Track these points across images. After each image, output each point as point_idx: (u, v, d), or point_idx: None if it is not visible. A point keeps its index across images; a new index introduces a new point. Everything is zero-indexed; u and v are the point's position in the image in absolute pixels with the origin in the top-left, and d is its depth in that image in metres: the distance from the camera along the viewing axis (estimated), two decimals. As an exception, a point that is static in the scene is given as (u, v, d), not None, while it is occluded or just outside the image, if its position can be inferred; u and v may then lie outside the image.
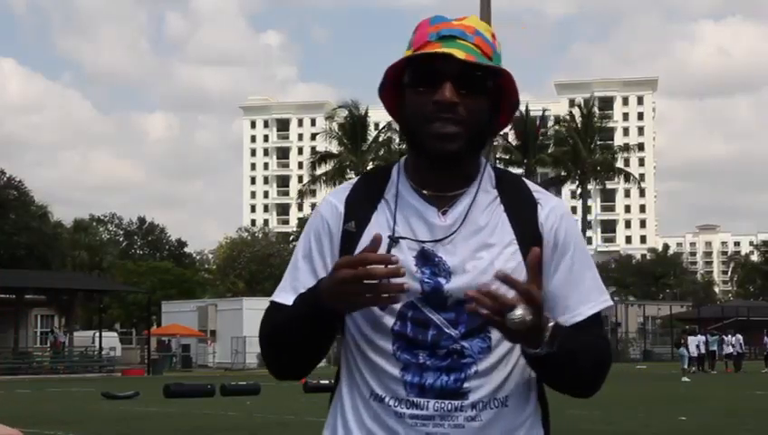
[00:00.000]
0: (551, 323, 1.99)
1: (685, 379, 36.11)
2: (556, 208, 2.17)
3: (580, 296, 2.13)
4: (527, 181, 2.23)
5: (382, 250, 2.04)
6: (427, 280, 2.06)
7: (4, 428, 2.00)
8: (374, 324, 2.09)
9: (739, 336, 46.79)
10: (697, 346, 44.64)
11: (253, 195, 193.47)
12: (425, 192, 2.13)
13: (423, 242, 2.08)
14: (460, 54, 2.03)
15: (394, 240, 2.08)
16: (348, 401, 2.14)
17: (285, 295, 2.14)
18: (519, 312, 1.89)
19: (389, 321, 2.07)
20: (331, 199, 2.21)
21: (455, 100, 2.04)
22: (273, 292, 2.20)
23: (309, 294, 2.03)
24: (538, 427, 2.16)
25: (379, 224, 2.12)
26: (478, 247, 2.09)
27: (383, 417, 2.06)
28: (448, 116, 2.04)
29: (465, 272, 2.06)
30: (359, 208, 2.16)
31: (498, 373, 2.06)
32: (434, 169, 2.11)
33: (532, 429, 2.13)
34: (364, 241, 2.09)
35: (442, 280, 2.06)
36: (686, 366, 38.65)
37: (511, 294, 1.91)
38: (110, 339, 58.27)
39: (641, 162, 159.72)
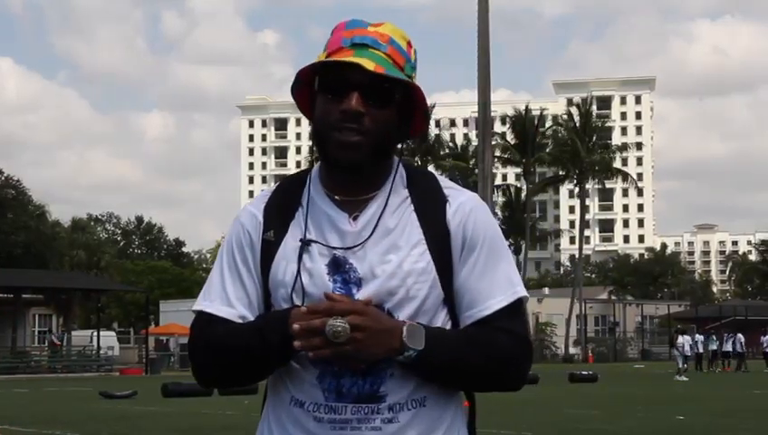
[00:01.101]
0: (405, 325, 2.01)
1: (681, 378, 35.99)
2: (465, 203, 2.14)
3: (489, 291, 2.10)
4: (440, 178, 2.22)
5: (294, 255, 2.09)
6: (339, 289, 2.06)
7: None
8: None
9: (740, 336, 46.72)
10: (691, 346, 44.65)
11: (251, 194, 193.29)
12: (336, 197, 2.13)
13: (334, 249, 2.09)
14: (369, 65, 2.03)
15: (306, 243, 2.09)
16: (271, 406, 2.17)
17: (220, 307, 2.14)
18: (330, 322, 1.95)
19: None
20: (251, 208, 2.21)
21: (360, 110, 2.04)
22: (198, 299, 2.18)
23: (277, 327, 2.03)
24: (460, 426, 2.16)
25: (294, 233, 2.13)
26: (387, 250, 2.08)
27: (303, 422, 2.08)
28: (353, 126, 2.05)
29: (375, 277, 2.06)
30: (276, 217, 2.16)
31: (415, 375, 2.06)
32: (340, 175, 2.12)
33: (453, 428, 2.13)
34: (282, 250, 2.12)
35: (353, 287, 2.06)
36: (681, 365, 38.62)
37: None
38: (108, 338, 58.23)
39: (639, 162, 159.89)
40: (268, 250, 2.13)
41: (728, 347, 46.97)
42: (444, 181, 2.20)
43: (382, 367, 2.05)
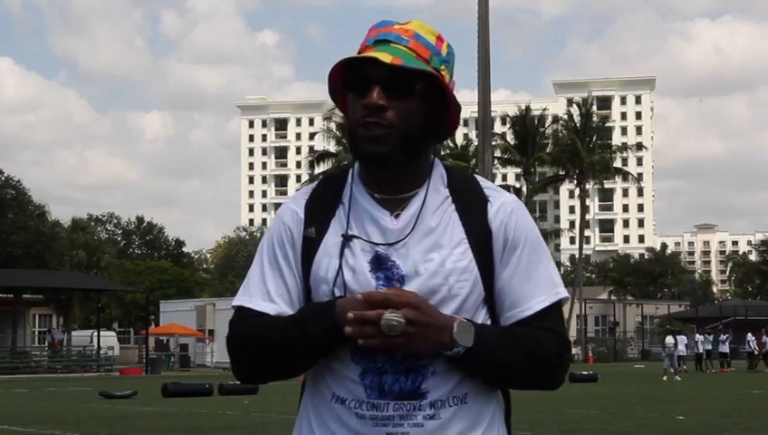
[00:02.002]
0: (456, 321, 2.03)
1: (676, 377, 36.00)
2: (506, 204, 2.17)
3: (531, 291, 2.13)
4: (479, 178, 2.24)
5: (336, 251, 2.11)
6: (382, 285, 2.08)
7: None
8: None
9: (750, 335, 46.46)
10: (686, 345, 44.65)
11: (251, 194, 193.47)
12: (377, 196, 2.15)
13: (376, 245, 2.11)
14: (386, 58, 2.05)
15: (347, 239, 2.11)
16: (311, 403, 2.17)
17: (260, 302, 2.15)
18: (386, 315, 1.96)
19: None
20: (292, 205, 2.22)
21: (380, 103, 2.06)
22: (238, 295, 2.19)
23: (322, 317, 2.05)
24: (499, 423, 2.18)
25: (335, 230, 2.15)
26: (429, 249, 2.10)
27: (344, 418, 2.09)
28: (375, 120, 2.07)
29: (418, 275, 2.08)
30: (318, 214, 2.18)
31: (456, 371, 2.08)
32: (374, 172, 2.15)
33: (493, 424, 2.15)
34: (323, 246, 2.13)
35: (396, 284, 2.08)
36: (677, 365, 38.58)
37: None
38: (109, 338, 58.22)
39: (639, 162, 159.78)
40: (309, 247, 2.15)
41: (725, 348, 46.85)
42: (483, 181, 2.23)
43: (424, 364, 2.07)
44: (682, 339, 44.79)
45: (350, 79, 2.12)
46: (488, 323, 2.14)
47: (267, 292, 2.16)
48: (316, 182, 2.28)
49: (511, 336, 2.09)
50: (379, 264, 2.10)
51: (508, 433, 2.21)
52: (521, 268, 2.14)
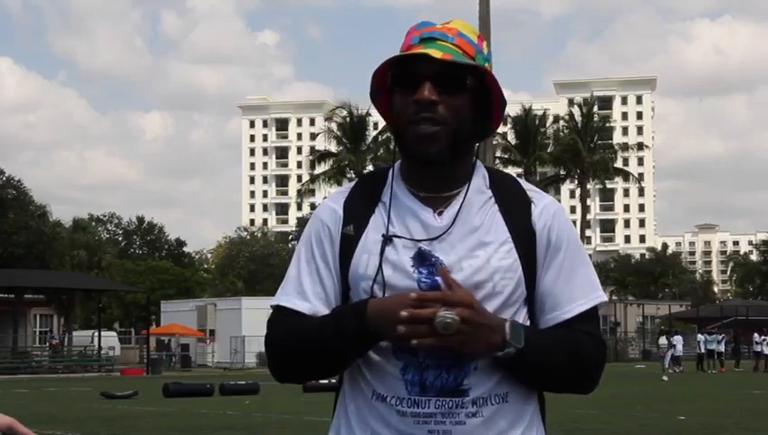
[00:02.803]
0: (507, 322, 2.04)
1: (663, 377, 35.93)
2: (549, 206, 2.19)
3: (572, 294, 2.15)
4: (521, 180, 2.25)
5: (376, 248, 2.09)
6: (424, 280, 2.08)
7: (1, 416, 2.01)
8: None
9: (756, 335, 46.11)
10: (679, 345, 44.63)
11: (252, 194, 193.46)
12: (420, 194, 2.15)
13: (419, 241, 2.10)
14: (437, 54, 2.06)
15: (388, 238, 2.11)
16: (351, 401, 2.16)
17: (296, 301, 2.16)
18: (440, 313, 1.96)
19: None
20: (330, 204, 2.22)
21: (433, 98, 2.06)
22: (277, 294, 2.20)
23: (354, 317, 2.05)
24: (538, 422, 2.18)
25: (376, 226, 2.14)
26: (475, 247, 2.11)
27: (386, 416, 2.08)
28: (428, 115, 2.07)
29: (462, 270, 2.08)
30: (357, 212, 2.17)
31: (498, 369, 2.08)
32: (421, 170, 2.14)
33: (533, 423, 2.16)
34: (362, 244, 2.13)
35: (439, 279, 2.07)
36: (666, 366, 38.44)
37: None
38: (109, 338, 58.29)
39: (640, 162, 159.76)
40: (348, 244, 2.15)
41: (720, 348, 46.78)
42: (525, 184, 2.24)
43: (466, 360, 2.06)
44: (678, 339, 44.77)
45: (399, 76, 2.11)
46: (527, 323, 2.15)
47: (303, 290, 2.16)
48: (355, 180, 2.29)
49: (556, 339, 2.10)
50: (422, 259, 2.10)
51: (545, 433, 2.21)
52: (563, 271, 2.15)
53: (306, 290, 2.16)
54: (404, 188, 2.17)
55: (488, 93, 2.14)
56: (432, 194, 2.14)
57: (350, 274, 2.13)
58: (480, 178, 2.19)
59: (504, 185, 2.20)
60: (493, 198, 2.17)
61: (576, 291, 2.15)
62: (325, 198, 2.33)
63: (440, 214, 2.13)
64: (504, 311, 2.09)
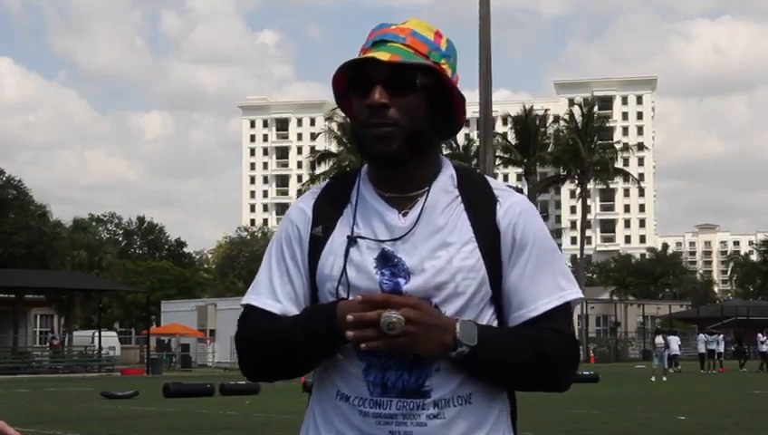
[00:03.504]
0: (459, 321, 2.03)
1: (659, 378, 35.84)
2: (515, 205, 2.17)
3: (538, 292, 2.12)
4: (490, 179, 2.25)
5: (341, 250, 2.11)
6: (386, 281, 2.08)
7: None
8: None
9: (760, 335, 45.94)
10: (680, 345, 44.60)
11: (252, 194, 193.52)
12: (386, 195, 2.16)
13: (382, 242, 2.11)
14: (384, 56, 2.06)
15: (352, 239, 2.12)
16: (318, 401, 2.18)
17: (267, 301, 2.17)
18: (384, 314, 1.97)
19: None
20: (300, 205, 2.24)
21: (383, 101, 2.07)
22: (247, 293, 2.22)
23: (324, 318, 2.06)
24: (505, 424, 2.16)
25: (342, 228, 2.16)
26: (437, 247, 2.10)
27: (349, 416, 2.09)
28: (380, 120, 2.08)
29: (424, 271, 2.08)
30: (326, 213, 2.19)
31: (461, 370, 2.07)
32: (384, 171, 2.15)
33: (499, 425, 2.14)
34: (329, 245, 2.14)
35: (401, 280, 2.08)
36: (665, 366, 38.36)
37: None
38: (110, 338, 58.30)
39: (641, 162, 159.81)
40: (316, 245, 2.16)
41: (721, 348, 46.77)
42: (493, 182, 2.23)
43: (428, 361, 2.06)
44: (675, 339, 44.72)
45: (353, 81, 2.13)
46: (495, 323, 2.13)
47: (274, 291, 2.17)
48: (325, 182, 2.30)
49: (516, 336, 2.09)
50: (385, 260, 2.10)
51: None
52: (528, 269, 2.13)
53: (277, 290, 2.17)
54: (371, 190, 2.18)
55: (448, 90, 2.14)
56: (398, 194, 2.15)
57: (317, 275, 2.15)
58: (447, 178, 2.19)
59: (471, 184, 2.20)
60: (459, 198, 2.17)
61: (542, 289, 2.12)
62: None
63: (405, 214, 2.13)
64: (467, 311, 2.08)
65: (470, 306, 2.09)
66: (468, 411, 2.08)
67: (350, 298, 2.05)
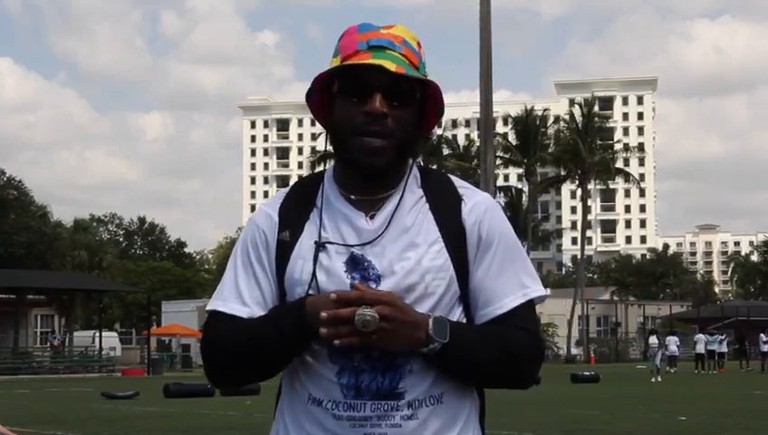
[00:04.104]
0: (431, 317, 2.04)
1: (655, 379, 35.75)
2: (480, 203, 2.18)
3: (504, 289, 2.14)
4: (453, 178, 2.25)
5: (310, 254, 2.11)
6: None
7: None
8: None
9: (762, 335, 45.78)
10: (678, 346, 44.56)
11: (253, 195, 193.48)
12: (352, 197, 2.15)
13: (351, 246, 2.11)
14: (391, 66, 2.05)
15: (321, 245, 2.11)
16: (287, 405, 2.17)
17: (233, 305, 2.15)
18: (359, 311, 1.97)
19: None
20: (266, 209, 2.23)
21: (384, 111, 2.07)
22: (212, 299, 2.20)
23: (293, 315, 2.06)
24: (474, 423, 2.18)
25: (310, 232, 2.15)
26: (405, 248, 2.11)
27: (322, 420, 2.09)
28: (377, 128, 2.07)
29: (394, 273, 2.09)
30: (292, 218, 2.18)
31: (433, 371, 2.08)
32: (358, 176, 2.14)
33: (469, 424, 2.15)
34: (297, 249, 2.13)
35: (372, 284, 2.08)
36: (658, 365, 38.28)
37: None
38: (110, 339, 58.27)
39: (641, 162, 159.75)
40: (283, 250, 2.15)
41: (723, 348, 46.72)
42: (457, 181, 2.23)
43: (401, 362, 2.07)
44: (674, 340, 44.65)
45: (349, 84, 2.10)
46: (463, 321, 2.14)
47: (240, 295, 2.16)
48: (290, 186, 2.29)
49: (485, 334, 2.09)
50: (355, 264, 2.10)
51: (482, 433, 2.21)
52: (494, 267, 2.14)
53: (244, 295, 2.15)
54: (336, 191, 2.17)
55: (425, 101, 2.15)
56: (364, 197, 2.15)
57: (285, 279, 2.14)
58: (412, 178, 2.19)
59: (435, 184, 2.20)
60: (424, 198, 2.17)
61: (508, 286, 2.14)
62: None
63: (372, 217, 2.13)
64: (437, 311, 2.08)
65: (440, 306, 2.09)
66: (441, 410, 2.10)
67: (331, 293, 2.03)
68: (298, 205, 2.19)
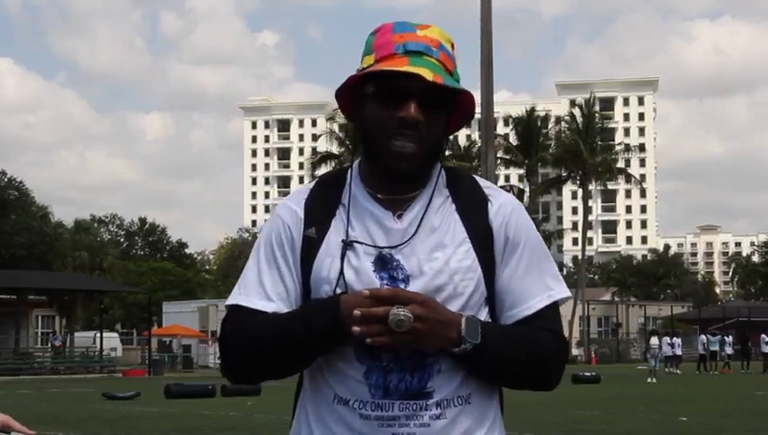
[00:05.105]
0: (464, 317, 2.03)
1: (651, 379, 35.54)
2: (506, 204, 2.18)
3: (530, 291, 2.14)
4: (478, 179, 2.25)
5: (337, 253, 2.09)
6: (386, 285, 2.07)
7: None
8: None
9: (764, 336, 45.75)
10: (670, 345, 44.54)
11: (254, 195, 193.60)
12: (379, 196, 2.15)
13: (380, 248, 2.10)
14: (428, 75, 2.04)
15: (348, 244, 2.10)
16: (311, 404, 2.15)
17: (257, 301, 2.13)
18: (393, 311, 1.96)
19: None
20: (291, 205, 2.20)
21: (419, 118, 2.06)
22: (233, 294, 2.17)
23: (326, 312, 2.04)
24: (500, 422, 2.19)
25: (337, 230, 2.13)
26: (434, 248, 2.10)
27: (348, 420, 2.07)
28: (411, 133, 2.07)
29: (423, 274, 2.08)
30: (318, 214, 2.16)
31: (461, 371, 2.08)
32: (389, 180, 2.13)
33: (495, 425, 2.16)
34: (325, 247, 2.12)
35: (401, 284, 2.07)
36: (656, 367, 38.18)
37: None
38: (111, 339, 58.26)
39: (642, 163, 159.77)
40: (310, 247, 2.13)
41: (729, 350, 46.68)
42: (482, 182, 2.23)
43: (430, 362, 2.06)
44: (665, 340, 44.54)
45: (385, 88, 2.09)
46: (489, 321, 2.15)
47: (265, 291, 2.14)
48: (315, 181, 2.26)
49: (513, 335, 2.10)
50: (384, 264, 2.09)
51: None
52: (521, 268, 2.14)
53: (268, 290, 2.13)
54: (362, 190, 2.16)
55: (455, 106, 2.16)
56: (391, 196, 2.14)
57: (311, 276, 2.12)
58: (439, 178, 2.19)
59: (460, 184, 2.20)
60: (450, 198, 2.17)
61: (534, 288, 2.14)
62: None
63: (400, 217, 2.13)
64: (465, 312, 2.08)
65: (468, 307, 2.09)
66: (469, 411, 2.10)
67: (365, 289, 2.03)
68: (324, 201, 2.18)
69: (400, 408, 2.05)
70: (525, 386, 2.15)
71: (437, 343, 2.02)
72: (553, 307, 2.16)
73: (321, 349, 2.07)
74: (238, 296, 2.16)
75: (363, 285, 2.06)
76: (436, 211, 2.14)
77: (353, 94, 2.16)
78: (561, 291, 2.18)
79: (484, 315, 2.13)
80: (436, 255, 2.10)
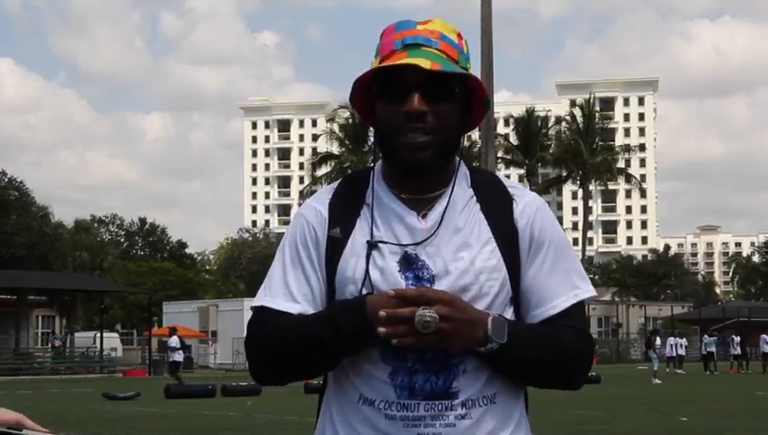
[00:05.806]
0: (490, 317, 2.03)
1: (656, 381, 35.48)
2: (531, 203, 2.18)
3: (556, 289, 2.14)
4: (501, 177, 2.25)
5: (363, 253, 2.09)
6: (411, 285, 2.07)
7: (8, 412, 2.00)
8: None
9: (765, 336, 45.71)
10: (672, 346, 44.49)
11: (254, 195, 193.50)
12: (403, 196, 2.14)
13: (405, 246, 2.09)
14: (425, 64, 2.03)
15: (373, 245, 2.10)
16: (336, 405, 2.15)
17: (282, 302, 2.12)
18: (419, 312, 1.95)
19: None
20: (315, 205, 2.20)
21: (423, 109, 2.06)
22: (258, 295, 2.16)
23: (353, 312, 2.03)
24: (526, 422, 2.20)
25: (362, 230, 2.13)
26: (458, 248, 2.10)
27: (374, 420, 2.07)
28: (418, 126, 2.06)
29: (448, 274, 2.08)
30: (342, 214, 2.16)
31: (486, 370, 2.08)
32: (407, 176, 2.13)
33: (521, 425, 2.17)
34: (350, 246, 2.11)
35: (426, 284, 2.07)
36: (656, 368, 38.10)
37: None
38: (112, 339, 58.28)
39: (642, 163, 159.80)
40: (334, 247, 2.13)
41: (737, 350, 46.61)
42: (506, 180, 2.23)
43: (455, 362, 2.06)
44: (676, 341, 44.53)
45: (386, 85, 2.10)
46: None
47: (290, 292, 2.13)
48: (338, 181, 2.26)
49: (539, 334, 2.09)
50: (409, 264, 2.09)
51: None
52: (546, 267, 2.14)
53: (293, 291, 2.13)
54: (386, 190, 2.16)
55: (470, 93, 2.14)
56: (415, 196, 2.14)
57: (336, 276, 2.12)
58: (462, 178, 2.18)
59: (485, 183, 2.19)
60: (474, 198, 2.16)
61: (560, 287, 2.14)
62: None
63: (424, 216, 2.12)
64: (491, 311, 2.07)
65: (493, 306, 2.09)
66: (494, 411, 2.10)
67: (390, 289, 2.02)
68: (348, 201, 2.17)
69: (426, 408, 2.05)
70: (551, 385, 2.15)
71: (464, 342, 2.02)
72: (579, 306, 2.16)
73: (348, 350, 2.06)
74: (264, 298, 2.16)
75: (389, 286, 2.05)
76: (461, 211, 2.14)
77: (367, 98, 2.17)
78: (588, 290, 2.17)
79: (509, 315, 2.12)
80: (462, 254, 2.09)
